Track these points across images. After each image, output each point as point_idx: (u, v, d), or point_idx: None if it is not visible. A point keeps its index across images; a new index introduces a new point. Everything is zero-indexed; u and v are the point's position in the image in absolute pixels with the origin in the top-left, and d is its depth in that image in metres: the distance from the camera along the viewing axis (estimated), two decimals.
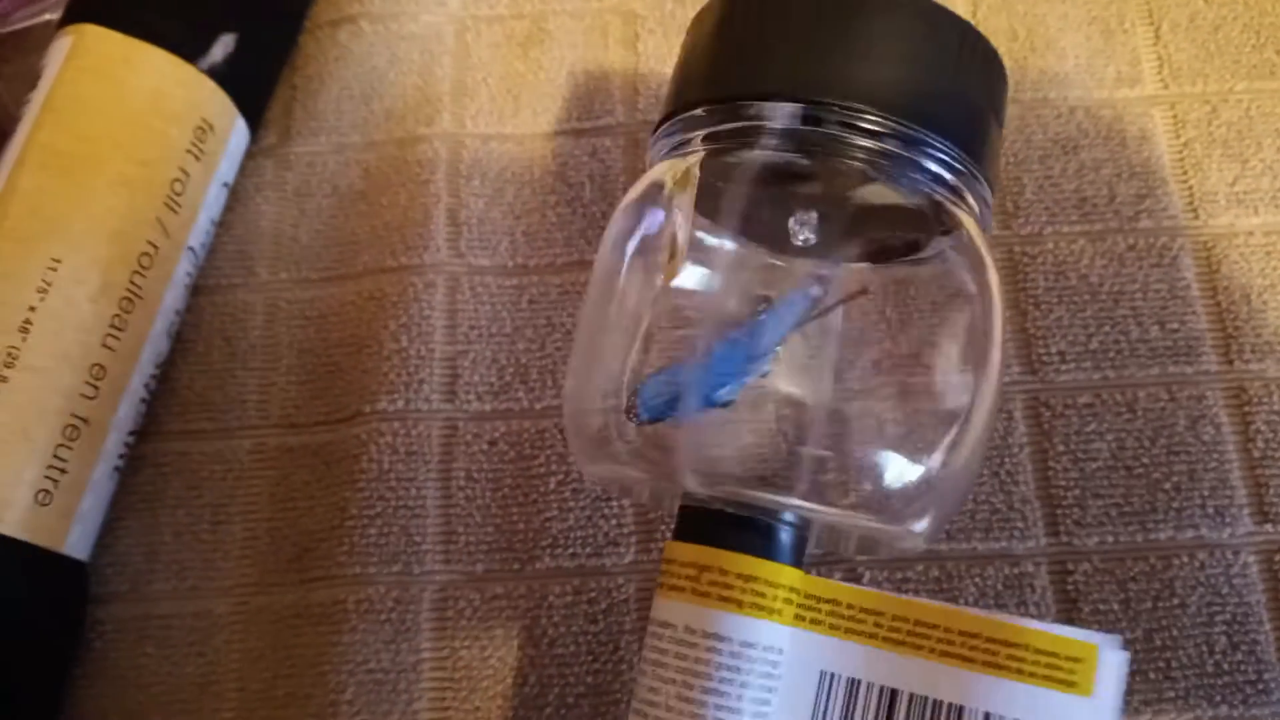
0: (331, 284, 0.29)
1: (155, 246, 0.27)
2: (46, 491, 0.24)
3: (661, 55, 0.31)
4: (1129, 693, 0.25)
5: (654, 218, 0.22)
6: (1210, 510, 0.26)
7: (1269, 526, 0.26)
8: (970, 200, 0.21)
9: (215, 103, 0.28)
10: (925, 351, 0.23)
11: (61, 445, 0.25)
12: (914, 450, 0.22)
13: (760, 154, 0.20)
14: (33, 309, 0.24)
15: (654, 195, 0.22)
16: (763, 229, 0.23)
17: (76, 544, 0.25)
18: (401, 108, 0.31)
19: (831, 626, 0.20)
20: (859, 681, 0.20)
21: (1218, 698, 0.25)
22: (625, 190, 0.29)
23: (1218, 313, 0.27)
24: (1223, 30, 0.30)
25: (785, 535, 0.20)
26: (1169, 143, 0.29)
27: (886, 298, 0.23)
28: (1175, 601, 0.25)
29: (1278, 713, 0.24)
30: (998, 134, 0.22)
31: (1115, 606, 0.25)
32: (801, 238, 0.22)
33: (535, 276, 0.29)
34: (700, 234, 0.23)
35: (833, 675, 0.20)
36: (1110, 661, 0.19)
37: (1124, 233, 0.28)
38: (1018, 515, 0.26)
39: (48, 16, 0.32)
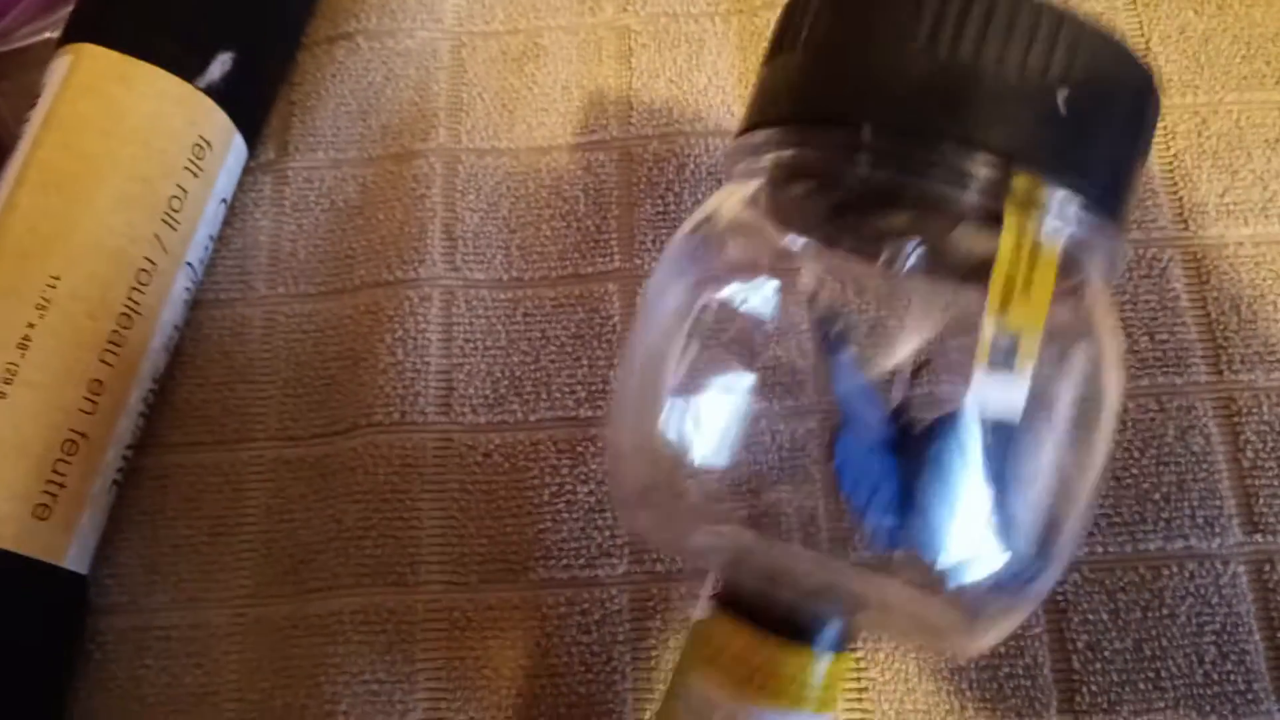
0: (328, 298, 0.30)
1: (153, 263, 0.27)
2: (45, 506, 0.25)
3: (655, 70, 0.31)
4: (1118, 702, 0.25)
5: (740, 255, 0.21)
6: (1200, 520, 0.26)
7: (1258, 537, 0.26)
8: (1096, 251, 0.18)
9: (213, 120, 0.28)
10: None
11: (60, 460, 0.25)
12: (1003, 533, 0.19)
13: (852, 178, 0.18)
14: (31, 325, 0.25)
15: (740, 229, 0.20)
16: (860, 243, 0.21)
17: (76, 557, 0.26)
18: (398, 123, 0.31)
19: None
20: None
21: (1207, 708, 0.25)
22: (619, 205, 0.30)
23: (1207, 323, 0.28)
24: (1213, 42, 0.30)
25: (833, 626, 0.19)
26: (1159, 154, 0.29)
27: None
28: (1164, 612, 0.25)
29: None
30: (1138, 173, 0.19)
31: (1104, 616, 0.25)
32: (905, 264, 0.20)
33: (530, 290, 0.29)
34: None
35: None
36: None
37: None
38: None
39: (48, 34, 0.32)
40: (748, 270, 0.21)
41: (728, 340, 0.21)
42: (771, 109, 0.20)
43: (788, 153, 0.19)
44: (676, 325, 0.21)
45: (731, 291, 0.21)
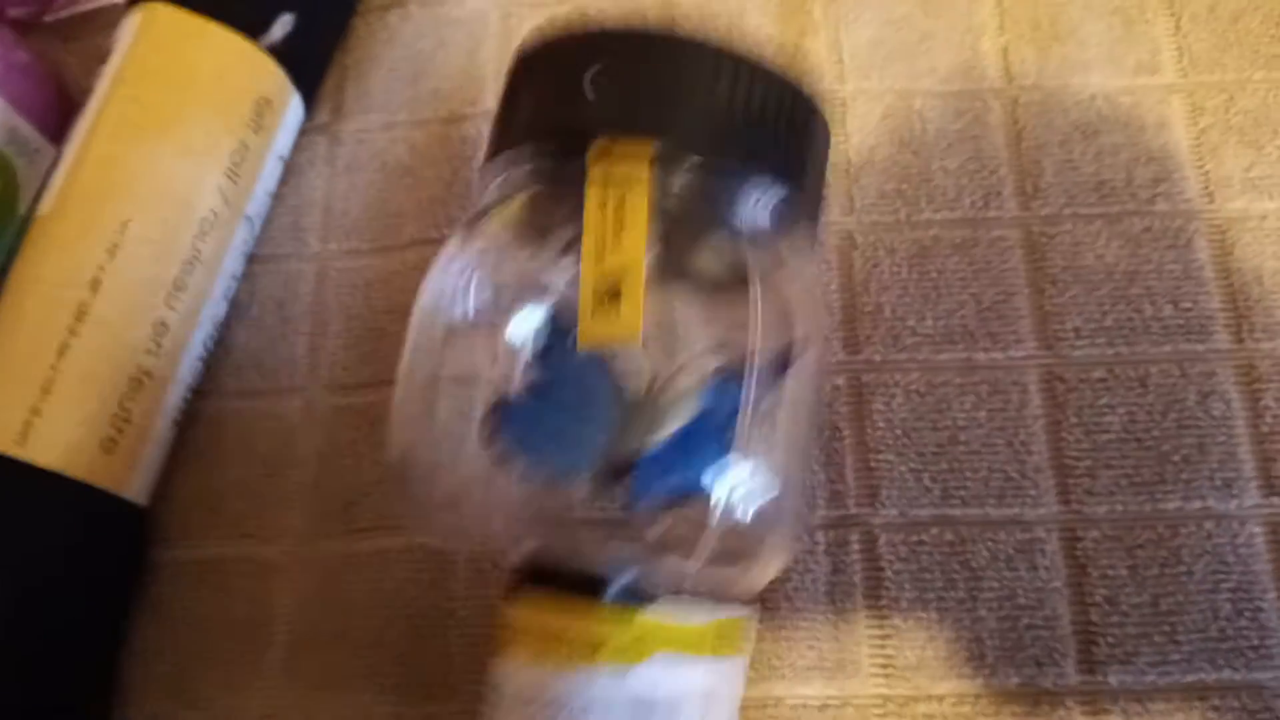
0: (378, 254, 0.31)
1: (215, 214, 0.28)
2: (112, 439, 0.26)
3: None
4: (1135, 654, 0.26)
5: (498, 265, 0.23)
6: (1218, 482, 0.27)
7: (1275, 499, 0.27)
8: (742, 202, 0.22)
9: (274, 80, 0.30)
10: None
11: (126, 396, 0.26)
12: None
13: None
14: (102, 268, 0.26)
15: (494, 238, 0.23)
16: None
17: (138, 490, 0.27)
18: (447, 88, 0.33)
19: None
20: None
21: (1221, 661, 0.25)
22: None
23: (1230, 293, 0.28)
24: (1242, 21, 0.31)
25: (622, 579, 0.21)
26: (1186, 129, 0.30)
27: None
28: (1182, 569, 0.26)
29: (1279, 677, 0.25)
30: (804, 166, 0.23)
31: (1123, 572, 0.26)
32: None
33: None
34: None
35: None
36: None
37: (1140, 215, 0.29)
38: (1030, 483, 0.27)
39: None
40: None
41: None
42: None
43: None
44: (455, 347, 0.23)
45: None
